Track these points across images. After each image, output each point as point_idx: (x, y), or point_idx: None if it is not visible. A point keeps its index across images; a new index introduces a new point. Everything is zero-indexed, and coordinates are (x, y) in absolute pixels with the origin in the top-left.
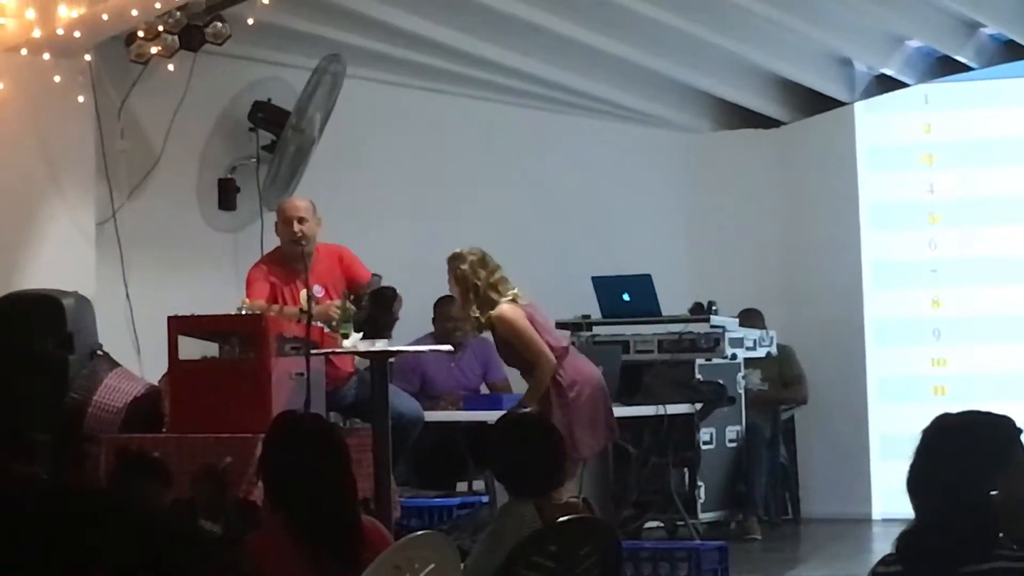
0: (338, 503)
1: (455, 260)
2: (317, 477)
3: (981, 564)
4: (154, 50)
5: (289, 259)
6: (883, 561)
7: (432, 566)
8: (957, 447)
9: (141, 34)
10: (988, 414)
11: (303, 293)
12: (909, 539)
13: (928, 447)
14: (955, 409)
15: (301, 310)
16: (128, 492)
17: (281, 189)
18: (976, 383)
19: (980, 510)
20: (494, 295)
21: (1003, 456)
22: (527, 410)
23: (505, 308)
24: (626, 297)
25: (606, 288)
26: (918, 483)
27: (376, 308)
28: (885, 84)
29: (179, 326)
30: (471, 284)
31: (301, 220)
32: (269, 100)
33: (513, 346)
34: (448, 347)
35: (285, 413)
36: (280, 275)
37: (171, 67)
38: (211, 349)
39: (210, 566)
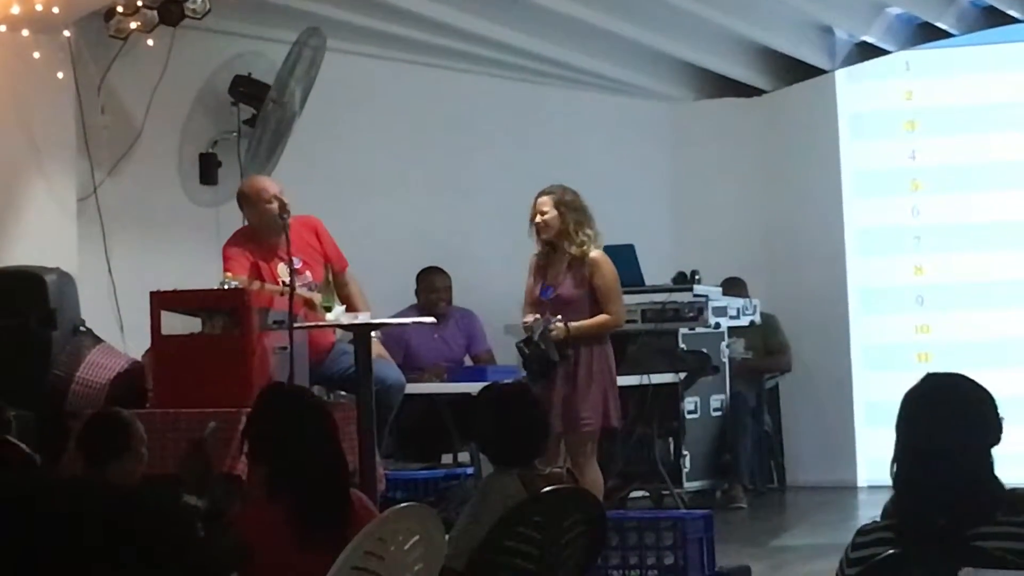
0: (328, 475)
1: (560, 190)
2: (307, 449)
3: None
4: (133, 25)
5: (264, 235)
6: (861, 531)
7: (417, 538)
8: (950, 409)
9: (120, 9)
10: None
11: (281, 267)
12: (903, 501)
13: (923, 402)
14: None
15: (284, 283)
16: (102, 467)
17: (263, 163)
18: (960, 349)
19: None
20: (593, 236)
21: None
22: (509, 381)
23: (603, 255)
24: None
25: None
26: (908, 432)
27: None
28: (866, 51)
29: (162, 301)
30: (580, 215)
31: (282, 192)
32: (250, 74)
33: (600, 290)
34: (431, 319)
35: (272, 385)
36: (256, 251)
37: (150, 42)
38: (194, 324)
39: (194, 541)
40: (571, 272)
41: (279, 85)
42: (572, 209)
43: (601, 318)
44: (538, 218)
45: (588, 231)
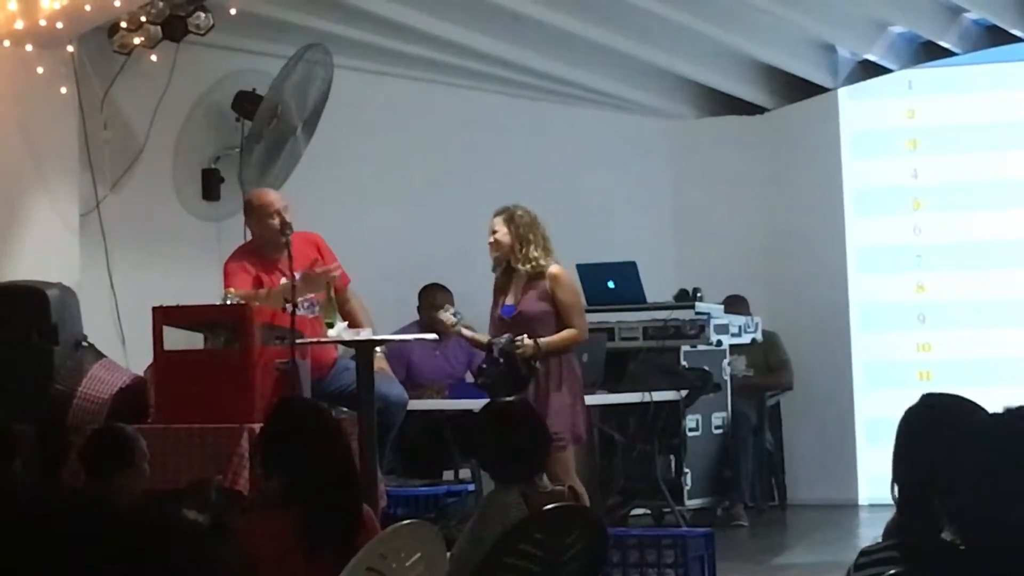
0: (341, 488)
1: (511, 208)
2: (321, 462)
3: None
4: (137, 40)
5: (266, 250)
6: (864, 552)
7: (418, 555)
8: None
9: (124, 24)
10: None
11: (283, 282)
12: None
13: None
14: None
15: (293, 283)
16: (104, 482)
17: (256, 176)
18: (961, 368)
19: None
20: (547, 251)
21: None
22: (511, 399)
23: (563, 269)
24: (611, 284)
25: (591, 275)
26: (903, 462)
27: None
28: (869, 70)
29: (164, 316)
30: (528, 232)
31: (285, 209)
32: (254, 90)
33: (563, 306)
34: (433, 336)
35: (287, 398)
36: (258, 265)
37: (154, 58)
38: (196, 339)
39: (194, 556)
40: (532, 288)
41: (270, 100)
42: (519, 227)
43: (568, 333)
44: (490, 237)
45: (535, 251)
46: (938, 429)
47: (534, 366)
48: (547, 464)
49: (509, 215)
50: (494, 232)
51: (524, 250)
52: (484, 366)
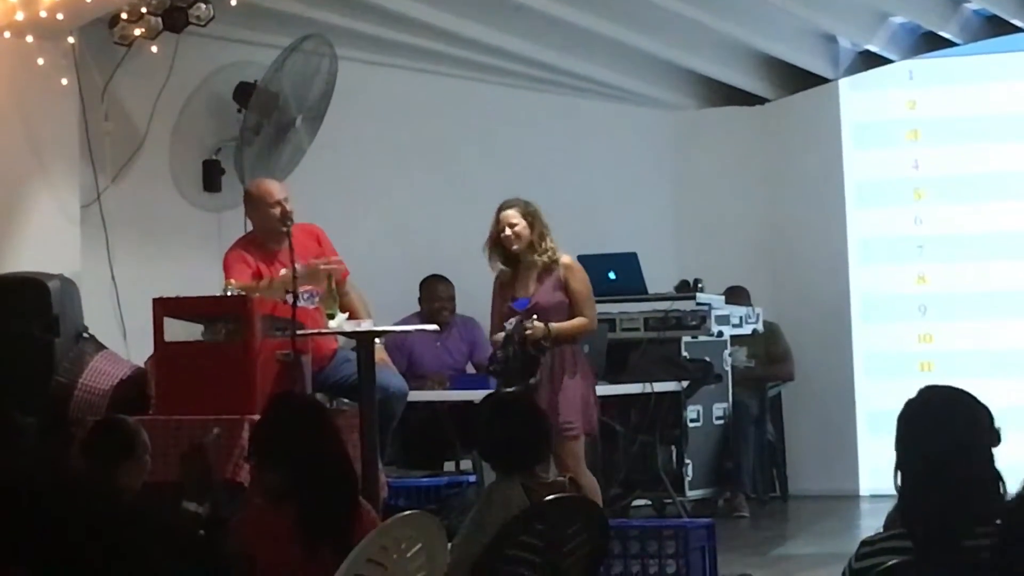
0: (339, 483)
1: (523, 201)
2: (318, 457)
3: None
4: (137, 32)
5: (266, 241)
6: (866, 542)
7: (419, 546)
8: (952, 415)
9: (124, 16)
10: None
11: (283, 273)
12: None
13: (916, 416)
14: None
15: (294, 273)
16: (104, 474)
17: (252, 170)
18: (962, 359)
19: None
20: (555, 244)
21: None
22: (512, 389)
23: (574, 259)
24: (612, 275)
25: (592, 266)
26: (907, 450)
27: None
28: (869, 60)
29: (164, 308)
30: (543, 225)
31: (286, 200)
32: (255, 82)
33: (576, 295)
34: (434, 327)
35: (283, 393)
36: (258, 256)
37: (155, 49)
38: (197, 331)
39: (195, 547)
40: (545, 279)
41: (268, 90)
42: (537, 219)
43: (579, 321)
44: (507, 231)
45: (550, 242)
46: (943, 417)
47: (544, 347)
48: (557, 453)
49: (524, 208)
50: (512, 225)
51: (542, 242)
52: (498, 353)
